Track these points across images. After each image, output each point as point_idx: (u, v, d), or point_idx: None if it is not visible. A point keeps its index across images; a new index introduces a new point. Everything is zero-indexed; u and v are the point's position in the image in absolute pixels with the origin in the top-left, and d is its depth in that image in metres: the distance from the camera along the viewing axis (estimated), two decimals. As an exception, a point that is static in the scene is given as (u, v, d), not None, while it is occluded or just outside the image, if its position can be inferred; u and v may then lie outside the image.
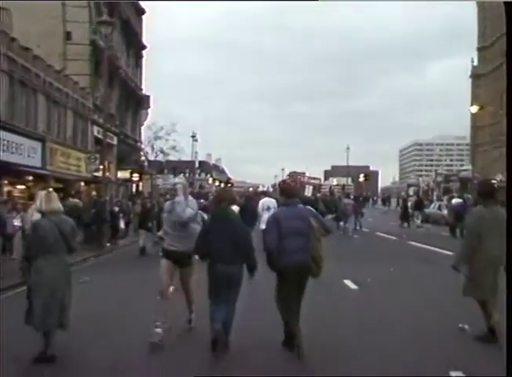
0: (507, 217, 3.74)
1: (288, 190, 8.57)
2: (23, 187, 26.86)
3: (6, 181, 25.35)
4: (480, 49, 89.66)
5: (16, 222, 16.75)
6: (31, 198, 17.93)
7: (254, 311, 9.14)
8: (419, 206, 40.35)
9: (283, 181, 18.59)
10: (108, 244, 22.68)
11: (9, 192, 23.96)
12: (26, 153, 26.61)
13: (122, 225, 25.19)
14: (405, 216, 36.81)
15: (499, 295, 7.79)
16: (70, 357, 7.54)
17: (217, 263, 7.80)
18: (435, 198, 58.32)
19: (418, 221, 37.58)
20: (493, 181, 16.99)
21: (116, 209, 27.01)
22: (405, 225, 35.36)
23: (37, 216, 14.84)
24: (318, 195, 48.27)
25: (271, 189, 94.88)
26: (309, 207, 9.28)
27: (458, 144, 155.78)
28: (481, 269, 8.05)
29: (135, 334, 8.63)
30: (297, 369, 7.03)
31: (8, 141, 24.85)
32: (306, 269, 7.73)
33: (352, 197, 43.02)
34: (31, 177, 27.35)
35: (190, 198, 8.86)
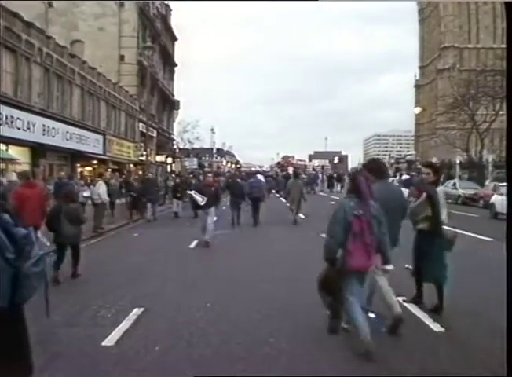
0: (507, 213, 3.36)
1: (255, 172, 18.27)
2: (90, 168, 27.28)
3: (79, 164, 25.80)
4: (420, 68, 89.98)
5: (86, 194, 16.50)
6: (97, 176, 18.14)
7: (247, 214, 16.03)
8: (339, 179, 42.88)
9: (278, 163, 24.91)
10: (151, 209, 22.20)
11: (81, 172, 24.32)
12: (92, 144, 26.99)
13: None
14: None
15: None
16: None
17: (234, 198, 16.11)
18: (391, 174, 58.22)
19: (338, 188, 40.29)
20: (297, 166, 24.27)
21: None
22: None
23: (103, 189, 15.31)
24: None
25: (269, 168, 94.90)
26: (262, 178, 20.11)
27: (405, 136, 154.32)
28: (291, 199, 15.96)
29: (176, 250, 11.62)
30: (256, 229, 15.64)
31: (80, 135, 25.28)
32: (260, 199, 16.09)
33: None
34: (95, 161, 27.82)
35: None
